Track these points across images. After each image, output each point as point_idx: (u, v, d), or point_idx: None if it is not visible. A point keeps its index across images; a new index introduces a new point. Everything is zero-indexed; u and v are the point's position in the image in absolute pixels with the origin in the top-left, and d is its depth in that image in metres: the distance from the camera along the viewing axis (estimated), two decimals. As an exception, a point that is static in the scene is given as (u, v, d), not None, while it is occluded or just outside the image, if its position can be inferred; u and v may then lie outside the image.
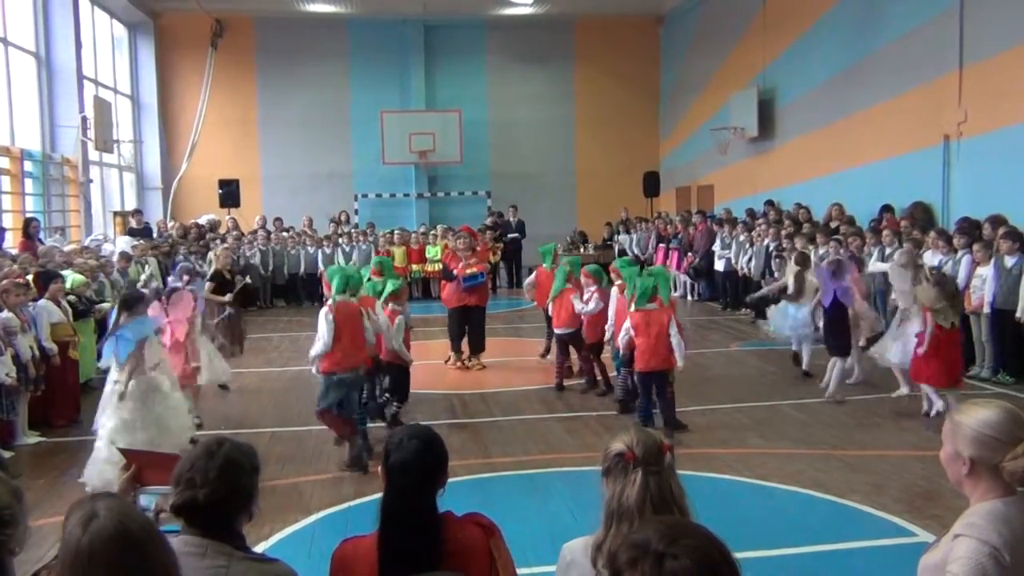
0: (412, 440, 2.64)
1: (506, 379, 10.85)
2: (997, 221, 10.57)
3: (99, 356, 8.30)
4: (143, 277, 13.24)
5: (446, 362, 11.48)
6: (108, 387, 6.66)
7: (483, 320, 11.55)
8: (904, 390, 9.05)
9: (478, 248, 11.65)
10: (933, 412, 8.35)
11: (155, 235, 17.71)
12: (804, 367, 10.47)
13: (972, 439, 2.32)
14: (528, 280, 11.78)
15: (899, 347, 8.89)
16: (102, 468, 6.22)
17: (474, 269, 11.18)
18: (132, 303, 7.09)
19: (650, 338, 8.00)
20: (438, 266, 16.34)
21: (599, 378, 9.97)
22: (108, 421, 6.60)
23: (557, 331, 10.16)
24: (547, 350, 11.57)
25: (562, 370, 10.23)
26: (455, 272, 11.18)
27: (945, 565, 2.23)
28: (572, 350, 10.24)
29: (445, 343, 11.72)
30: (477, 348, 11.44)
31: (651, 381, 8.14)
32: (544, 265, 11.34)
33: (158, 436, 6.48)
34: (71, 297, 9.95)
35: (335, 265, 12.69)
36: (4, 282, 8.57)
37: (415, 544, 2.53)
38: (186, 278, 9.54)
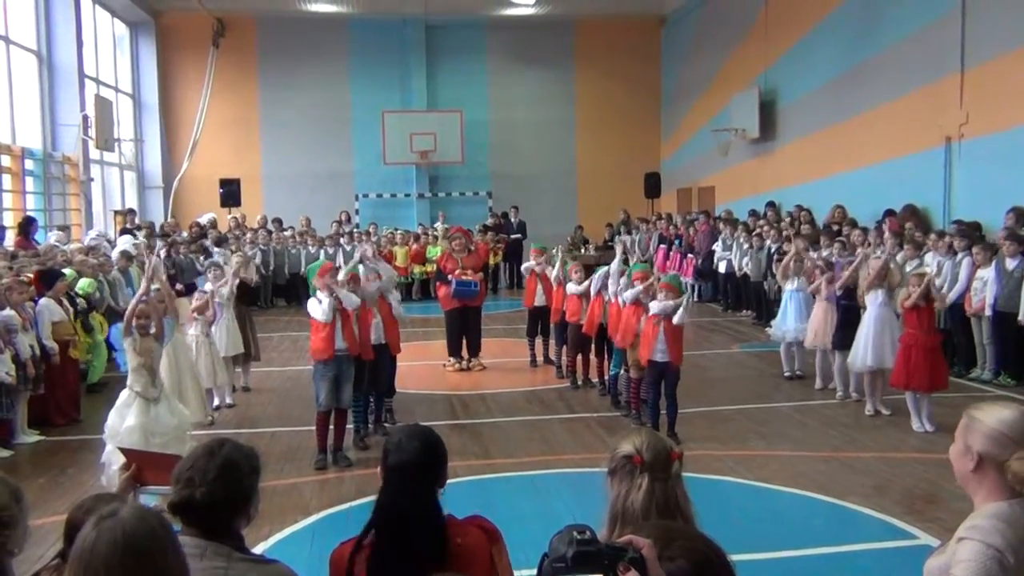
0: (412, 441, 2.62)
1: (506, 380, 10.84)
2: (1021, 214, 10.51)
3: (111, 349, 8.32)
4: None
5: (445, 366, 11.44)
6: (124, 394, 6.58)
7: (479, 321, 11.53)
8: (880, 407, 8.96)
9: (473, 249, 11.58)
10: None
11: (140, 237, 17.63)
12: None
13: (985, 435, 2.31)
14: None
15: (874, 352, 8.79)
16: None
17: (468, 277, 11.08)
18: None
19: (668, 332, 7.87)
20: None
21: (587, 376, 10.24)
22: (129, 420, 6.47)
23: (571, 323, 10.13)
24: (534, 358, 11.61)
25: (574, 366, 10.26)
26: (450, 276, 11.15)
27: (949, 568, 2.22)
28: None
29: (444, 343, 11.67)
30: (475, 349, 11.43)
31: (661, 375, 7.97)
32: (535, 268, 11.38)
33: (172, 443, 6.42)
34: (81, 301, 9.97)
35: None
36: (6, 280, 8.57)
37: (407, 545, 2.50)
38: (217, 272, 9.58)
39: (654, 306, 7.88)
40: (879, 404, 8.82)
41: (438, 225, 19.87)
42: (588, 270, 10.24)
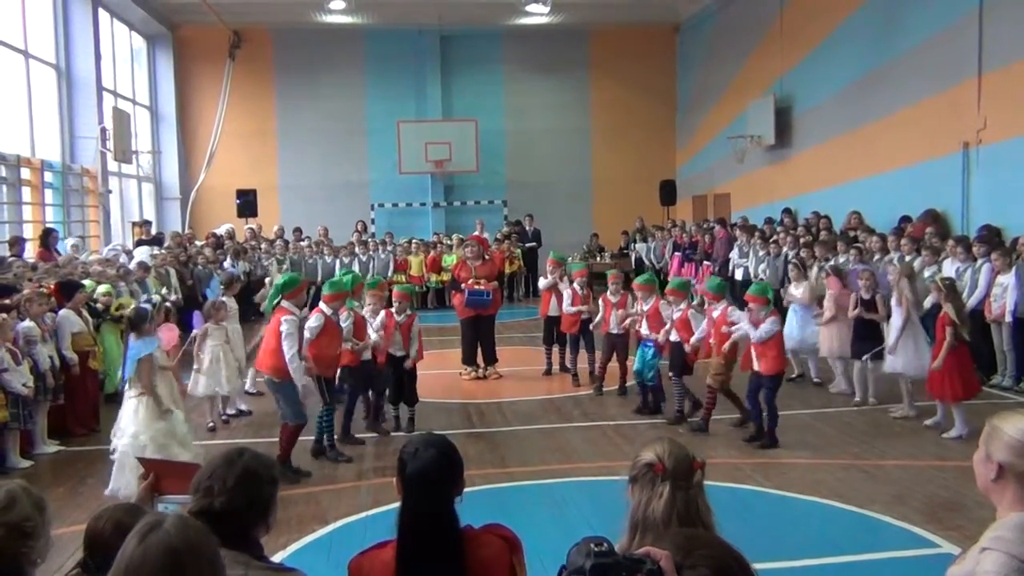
0: (429, 449, 2.60)
1: (523, 388, 10.83)
2: None
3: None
4: (155, 297, 13.33)
5: (461, 375, 11.44)
6: (129, 404, 6.66)
7: (492, 330, 11.51)
8: (908, 411, 8.90)
9: (487, 257, 11.55)
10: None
11: (167, 244, 17.74)
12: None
13: (1005, 444, 2.30)
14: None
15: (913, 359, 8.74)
16: (130, 479, 6.16)
17: (481, 286, 11.06)
18: (137, 323, 6.90)
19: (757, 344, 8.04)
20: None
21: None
22: (141, 432, 6.52)
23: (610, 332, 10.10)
24: (550, 366, 11.57)
25: (604, 372, 10.24)
26: (463, 285, 11.15)
27: (971, 577, 2.20)
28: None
29: (460, 352, 11.67)
30: (490, 358, 11.41)
31: (759, 384, 8.06)
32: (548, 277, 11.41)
33: (181, 452, 6.50)
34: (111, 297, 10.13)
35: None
36: (27, 291, 8.64)
37: (434, 555, 2.50)
38: (235, 286, 9.67)
39: (752, 333, 7.96)
40: (908, 408, 8.80)
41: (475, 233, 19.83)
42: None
